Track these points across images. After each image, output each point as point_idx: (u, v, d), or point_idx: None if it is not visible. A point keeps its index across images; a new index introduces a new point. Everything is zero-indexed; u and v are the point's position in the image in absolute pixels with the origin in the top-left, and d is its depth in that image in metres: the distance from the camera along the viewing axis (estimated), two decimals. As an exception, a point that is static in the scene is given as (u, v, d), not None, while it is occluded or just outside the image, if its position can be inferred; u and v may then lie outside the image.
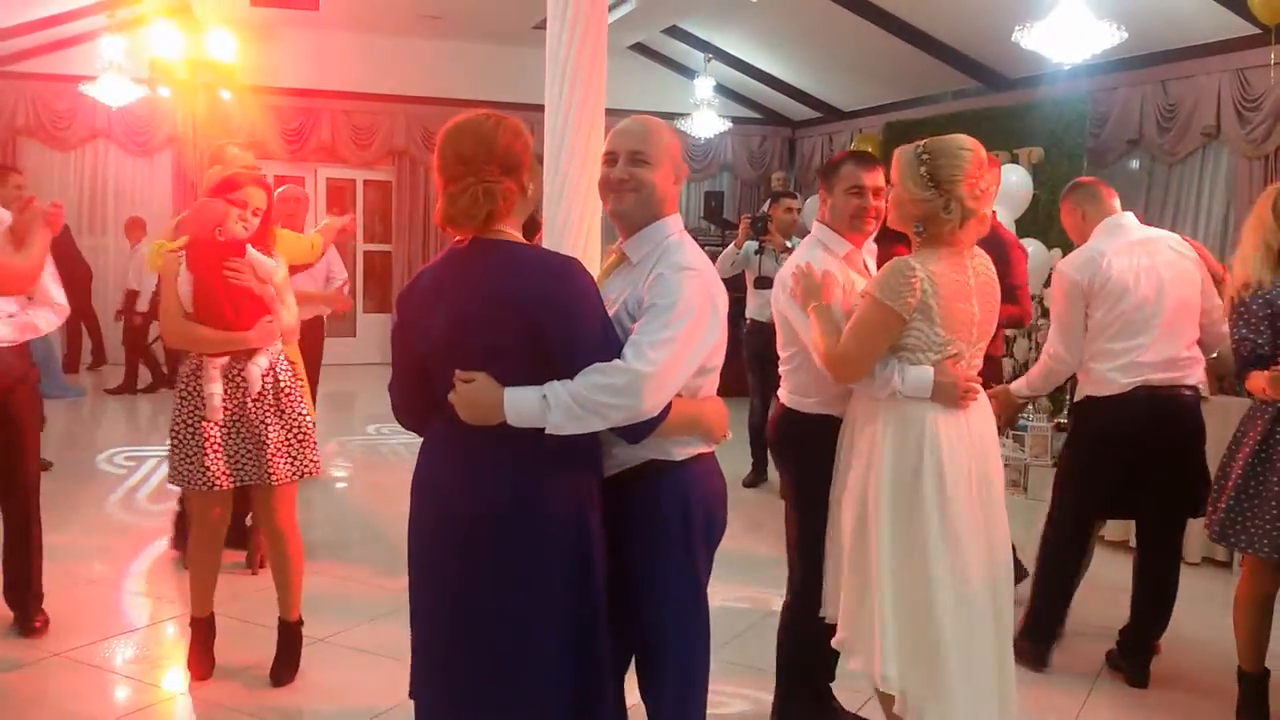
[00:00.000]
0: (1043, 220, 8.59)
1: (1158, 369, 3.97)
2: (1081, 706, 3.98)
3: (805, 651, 3.49)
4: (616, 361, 2.29)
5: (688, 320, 2.38)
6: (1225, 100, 8.02)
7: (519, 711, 2.39)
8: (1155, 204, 8.84)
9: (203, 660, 3.94)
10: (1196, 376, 4.06)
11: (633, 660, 2.63)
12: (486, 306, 2.32)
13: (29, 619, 4.27)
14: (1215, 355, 4.29)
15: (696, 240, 2.71)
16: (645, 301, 2.42)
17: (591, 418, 2.28)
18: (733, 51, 12.18)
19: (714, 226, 12.49)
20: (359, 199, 13.12)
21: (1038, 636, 4.24)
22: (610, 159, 2.62)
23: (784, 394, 3.47)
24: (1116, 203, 4.18)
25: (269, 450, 3.78)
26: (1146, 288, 3.95)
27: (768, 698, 3.61)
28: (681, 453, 2.54)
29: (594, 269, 4.50)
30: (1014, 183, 8.54)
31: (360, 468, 7.27)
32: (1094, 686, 4.15)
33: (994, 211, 5.36)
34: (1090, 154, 9.05)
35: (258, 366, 3.77)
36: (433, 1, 10.68)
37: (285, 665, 3.94)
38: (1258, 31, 7.23)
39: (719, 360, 2.60)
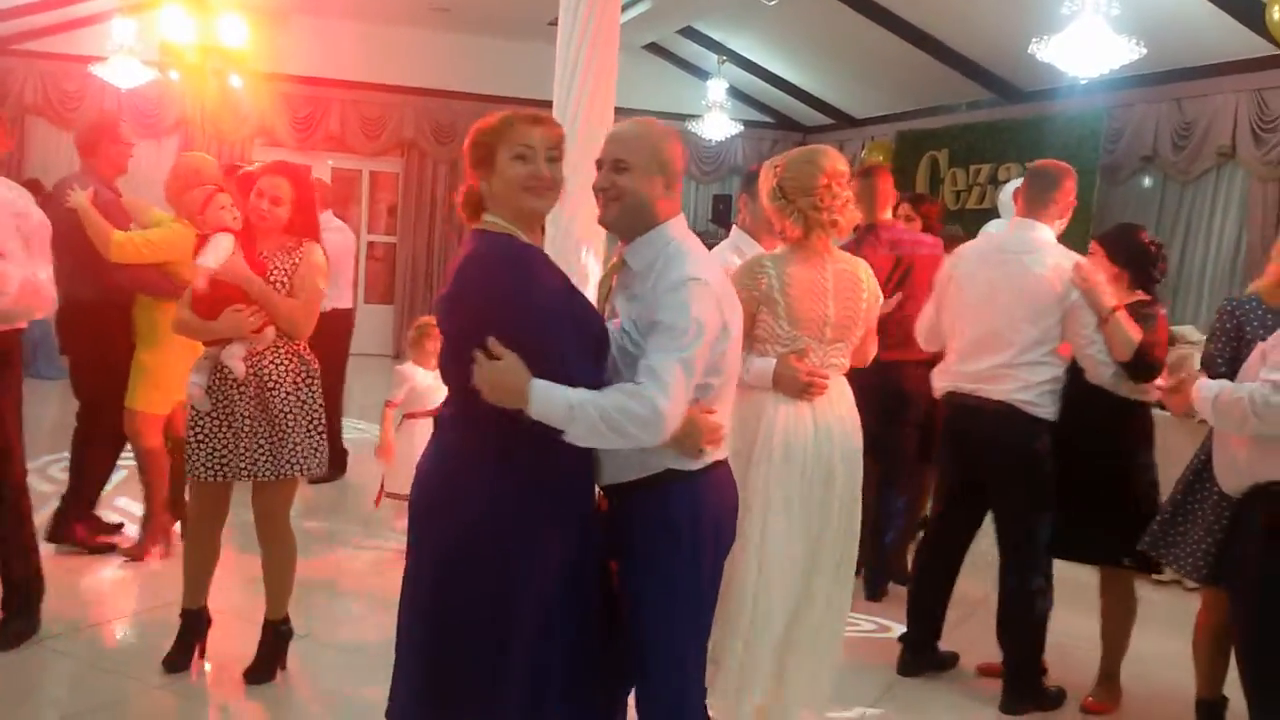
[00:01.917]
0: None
1: (967, 378, 4.02)
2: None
3: None
4: (641, 389, 2.30)
5: (700, 339, 2.37)
6: (1241, 120, 7.95)
7: (446, 707, 2.46)
8: (1166, 223, 8.77)
9: (179, 654, 3.87)
10: (1017, 390, 3.91)
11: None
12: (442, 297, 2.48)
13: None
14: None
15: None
16: (654, 318, 2.39)
17: (613, 437, 2.31)
18: (747, 54, 12.11)
19: (722, 230, 12.41)
20: (365, 189, 13.05)
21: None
22: (599, 165, 2.58)
23: None
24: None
25: (246, 445, 3.70)
26: (972, 295, 4.01)
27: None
28: (696, 462, 2.50)
29: (598, 267, 4.49)
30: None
31: (356, 461, 7.16)
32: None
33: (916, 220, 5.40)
34: (1103, 170, 8.99)
35: (231, 355, 3.67)
36: (446, -7, 10.62)
37: (262, 663, 3.87)
38: (1276, 51, 7.15)
39: (733, 367, 2.58)
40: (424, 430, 5.25)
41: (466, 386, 2.33)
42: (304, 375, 3.80)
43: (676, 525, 2.48)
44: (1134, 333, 3.76)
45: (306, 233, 3.82)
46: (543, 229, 2.66)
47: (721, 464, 2.61)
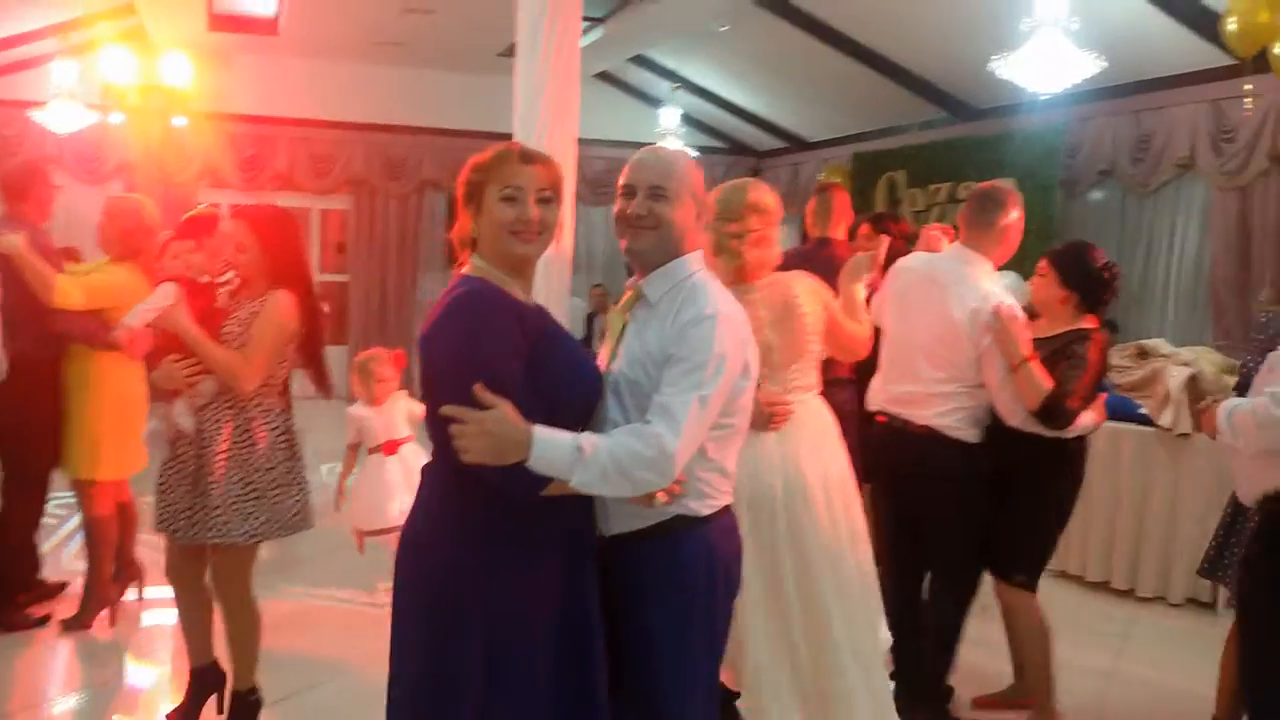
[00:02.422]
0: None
1: (891, 400, 3.95)
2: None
3: None
4: (649, 429, 2.20)
5: (720, 376, 2.27)
6: (1200, 131, 7.94)
7: None
8: (1129, 236, 8.75)
9: (188, 713, 3.71)
10: (935, 415, 3.81)
11: None
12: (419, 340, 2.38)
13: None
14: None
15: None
16: (671, 352, 2.28)
17: (622, 483, 2.20)
18: (699, 81, 12.06)
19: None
20: (315, 228, 12.79)
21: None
22: (628, 192, 2.47)
23: None
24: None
25: (169, 502, 3.57)
26: (896, 313, 3.96)
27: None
28: (707, 507, 2.43)
29: (560, 307, 4.35)
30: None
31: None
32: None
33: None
34: (1061, 185, 8.96)
35: (179, 412, 3.55)
36: (393, 29, 10.46)
37: None
38: (1233, 62, 7.14)
39: (748, 409, 2.48)
40: (389, 465, 5.15)
41: (434, 433, 2.27)
42: (242, 435, 3.54)
43: (690, 572, 2.39)
44: (1045, 382, 3.62)
45: (278, 279, 3.58)
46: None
47: (727, 509, 2.50)
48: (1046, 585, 4.05)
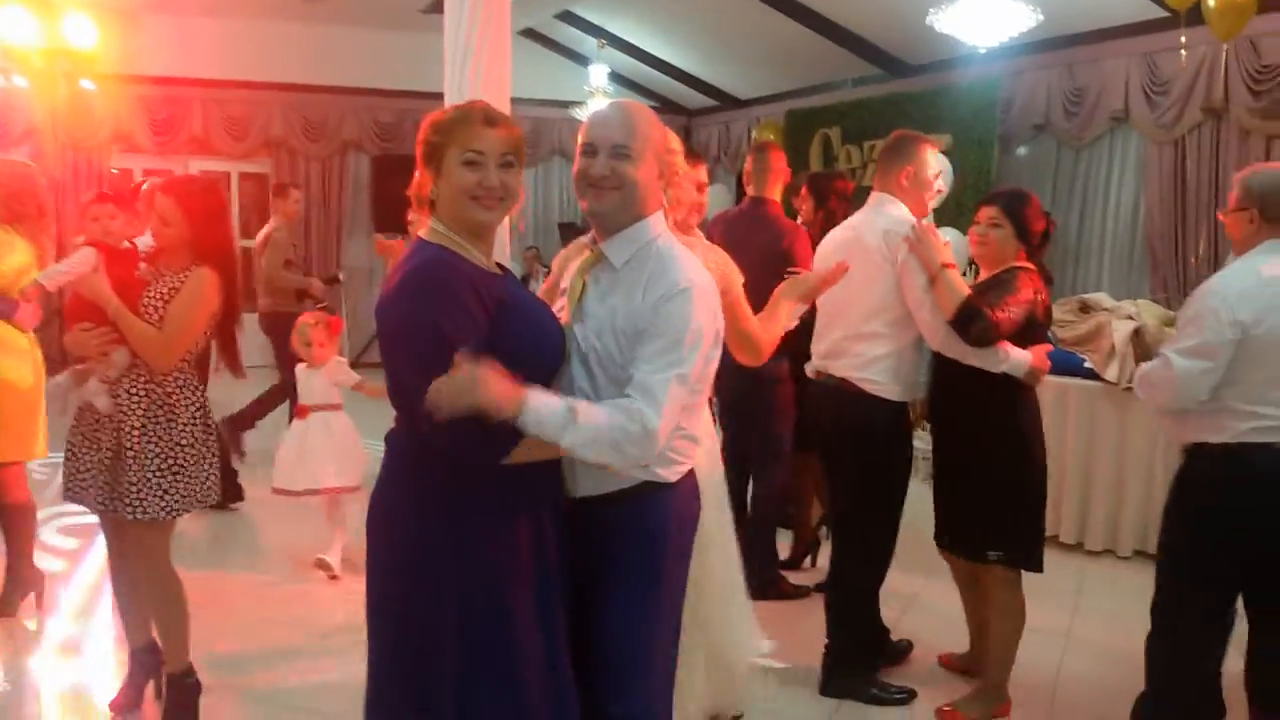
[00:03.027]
0: (952, 208, 8.43)
1: (819, 355, 3.96)
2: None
3: None
4: (633, 406, 2.19)
5: (697, 351, 2.25)
6: (1134, 84, 7.93)
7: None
8: (1063, 189, 8.73)
9: (127, 695, 3.69)
10: (854, 366, 3.78)
11: None
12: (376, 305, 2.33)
13: None
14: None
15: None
16: (644, 328, 2.24)
17: (608, 453, 2.19)
18: (627, 38, 11.82)
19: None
20: (234, 194, 12.36)
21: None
22: (588, 151, 2.36)
23: None
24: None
25: (86, 474, 3.48)
26: (823, 269, 3.85)
27: None
28: (674, 474, 2.42)
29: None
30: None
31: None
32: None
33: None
34: (997, 139, 8.92)
35: (93, 391, 3.46)
36: (312, -16, 10.10)
37: None
38: (1166, 15, 7.13)
39: (712, 375, 2.45)
40: (297, 428, 5.26)
41: (407, 402, 2.22)
42: (159, 410, 3.41)
43: (659, 535, 2.41)
44: (963, 289, 3.57)
45: (202, 255, 3.45)
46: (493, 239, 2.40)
47: (691, 472, 2.49)
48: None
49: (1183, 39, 6.55)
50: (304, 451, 5.15)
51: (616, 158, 2.33)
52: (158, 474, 3.37)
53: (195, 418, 3.47)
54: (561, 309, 2.46)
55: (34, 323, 4.35)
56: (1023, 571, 3.77)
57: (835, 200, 5.31)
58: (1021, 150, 9.12)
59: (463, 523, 2.25)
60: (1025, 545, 3.74)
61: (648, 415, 2.17)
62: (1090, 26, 8.08)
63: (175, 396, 3.43)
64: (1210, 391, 3.13)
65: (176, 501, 3.41)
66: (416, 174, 2.35)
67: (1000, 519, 3.70)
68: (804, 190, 5.45)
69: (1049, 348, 3.77)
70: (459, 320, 2.16)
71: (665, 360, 2.22)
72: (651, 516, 2.39)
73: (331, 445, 5.18)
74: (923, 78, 9.83)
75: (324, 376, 5.21)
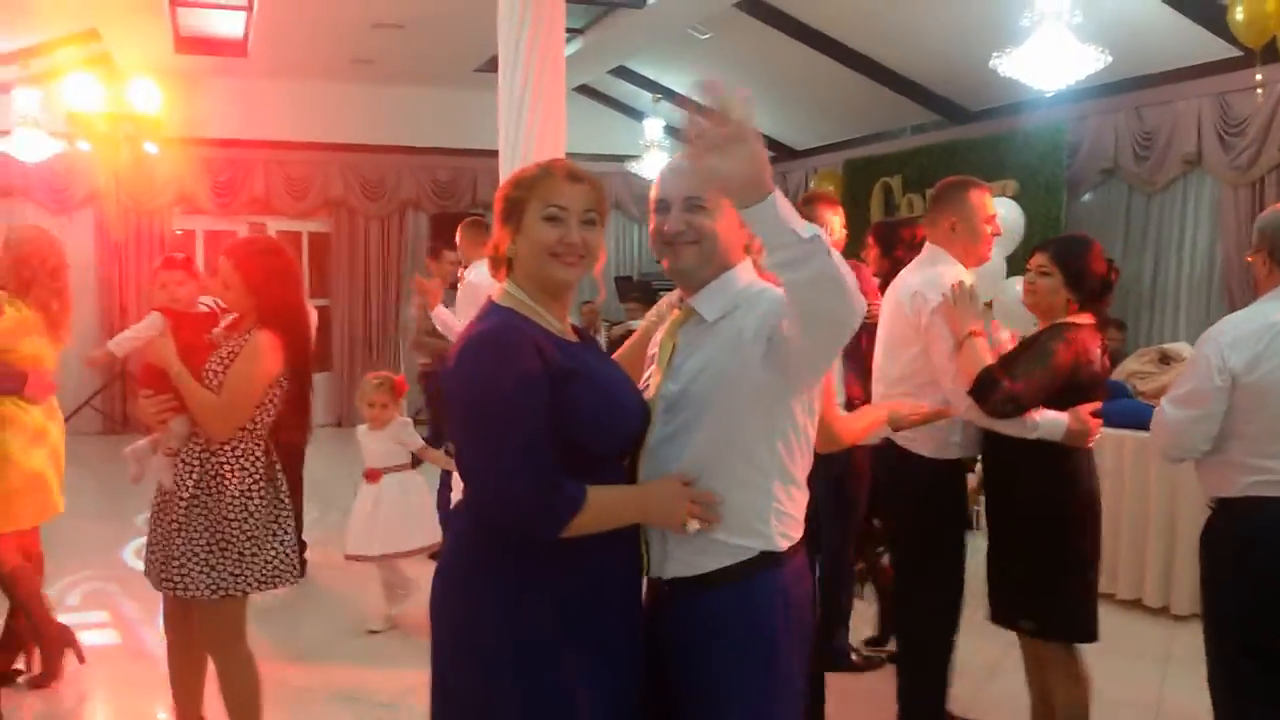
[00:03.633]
0: (1021, 258, 8.22)
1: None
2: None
3: None
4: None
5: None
6: (1206, 125, 7.68)
7: None
8: (1135, 236, 8.47)
9: None
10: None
11: None
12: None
13: None
14: None
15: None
16: (774, 322, 2.06)
17: (832, 290, 1.93)
18: (681, 91, 11.77)
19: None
20: (304, 252, 12.43)
21: None
22: (661, 207, 2.22)
23: None
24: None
25: (150, 552, 3.44)
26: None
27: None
28: (785, 540, 2.17)
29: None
30: (1003, 216, 8.18)
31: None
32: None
33: None
34: (1065, 185, 8.70)
35: (159, 465, 3.43)
36: (366, 46, 10.17)
37: None
38: (1239, 54, 6.92)
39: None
40: (366, 492, 5.19)
41: (467, 471, 2.11)
42: (210, 481, 3.32)
43: (772, 627, 2.13)
44: (983, 358, 3.34)
45: (263, 318, 3.38)
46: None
47: (801, 545, 2.23)
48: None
49: (1258, 76, 6.35)
50: (378, 515, 5.08)
51: (691, 210, 2.18)
52: (205, 549, 3.27)
53: (251, 490, 3.35)
54: (651, 374, 2.29)
55: (47, 394, 4.28)
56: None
57: (902, 249, 5.09)
58: (1087, 197, 8.89)
59: (520, 607, 2.08)
60: (1062, 615, 3.45)
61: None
62: (1160, 67, 7.87)
63: (227, 467, 3.32)
64: (1211, 441, 3.04)
65: (224, 580, 3.28)
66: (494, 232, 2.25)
67: (1029, 586, 3.45)
68: (869, 239, 5.28)
69: (1095, 406, 3.41)
70: (525, 384, 2.04)
71: None
72: (761, 603, 2.13)
73: (405, 507, 5.13)
74: (985, 123, 9.65)
75: (388, 439, 5.14)
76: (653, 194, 2.26)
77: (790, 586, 2.17)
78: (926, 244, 3.77)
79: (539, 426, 2.02)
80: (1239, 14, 6.34)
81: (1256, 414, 2.97)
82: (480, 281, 6.38)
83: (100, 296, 11.37)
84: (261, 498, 3.37)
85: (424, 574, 5.19)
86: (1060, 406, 3.35)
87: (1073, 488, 3.45)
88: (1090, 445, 3.42)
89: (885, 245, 5.14)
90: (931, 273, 3.59)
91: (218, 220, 11.79)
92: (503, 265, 2.22)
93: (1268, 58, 6.29)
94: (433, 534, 5.20)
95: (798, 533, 2.21)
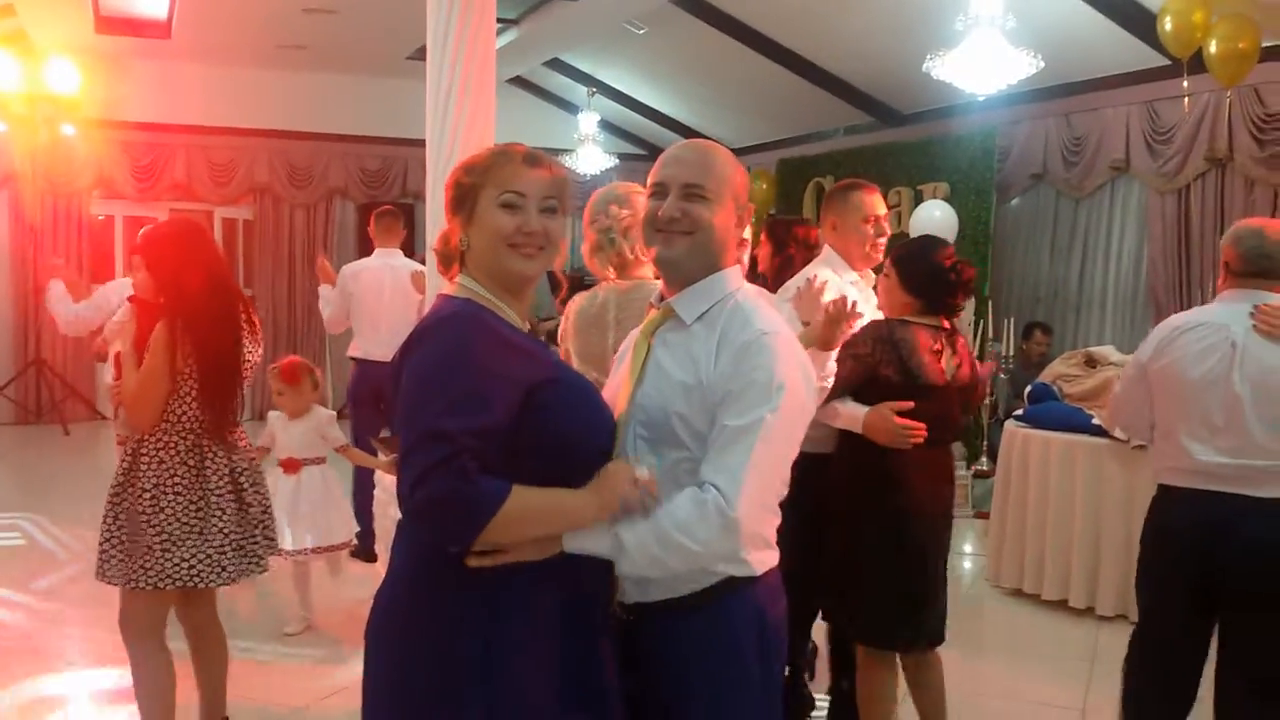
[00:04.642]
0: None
1: None
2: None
3: None
4: (708, 496, 1.90)
5: (780, 420, 1.95)
6: (1135, 133, 7.78)
7: None
8: (1063, 240, 8.57)
9: None
10: None
11: None
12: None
13: None
14: None
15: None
16: (723, 397, 1.97)
17: (672, 558, 1.92)
18: (617, 85, 11.71)
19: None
20: (218, 238, 12.15)
21: None
22: (658, 192, 2.11)
23: None
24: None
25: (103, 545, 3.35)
26: None
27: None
28: (760, 563, 2.08)
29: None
30: (938, 218, 8.23)
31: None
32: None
33: None
34: (994, 188, 8.77)
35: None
36: (295, 31, 9.93)
37: None
38: (1168, 63, 7.00)
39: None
40: (282, 484, 4.85)
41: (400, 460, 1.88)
42: (124, 475, 3.26)
43: (746, 652, 2.05)
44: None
45: (166, 307, 3.28)
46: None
47: (776, 569, 2.16)
48: (1003, 605, 3.74)
49: (1185, 84, 6.42)
50: (299, 509, 4.88)
51: (689, 199, 2.09)
52: (122, 539, 3.25)
53: (164, 486, 3.24)
54: (621, 379, 2.16)
55: None
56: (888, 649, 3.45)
57: (794, 246, 4.91)
58: (1016, 200, 8.97)
59: (491, 633, 1.89)
60: (851, 614, 3.44)
61: (726, 506, 1.88)
62: (1089, 74, 7.95)
63: (145, 460, 3.25)
64: (1149, 432, 3.40)
65: (134, 572, 3.22)
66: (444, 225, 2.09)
67: (839, 585, 3.42)
68: (763, 236, 5.11)
69: (905, 406, 3.29)
70: (505, 367, 1.89)
71: (743, 425, 1.93)
72: (735, 626, 2.04)
73: (329, 500, 4.99)
74: (914, 127, 9.71)
75: (309, 429, 4.94)
76: (651, 177, 2.17)
77: (763, 606, 2.09)
78: (824, 245, 3.82)
79: (501, 429, 1.85)
80: (1167, 24, 6.40)
81: (1159, 402, 3.29)
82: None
83: (15, 280, 11.00)
84: (177, 494, 3.25)
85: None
86: (871, 402, 3.32)
87: (882, 489, 3.35)
88: (907, 447, 3.28)
89: (777, 243, 4.98)
90: (810, 272, 3.64)
91: (138, 205, 11.47)
92: (454, 260, 2.06)
93: (1194, 68, 6.35)
94: (350, 529, 5.12)
95: (773, 554, 2.12)
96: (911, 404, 3.28)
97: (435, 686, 1.90)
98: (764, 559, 2.08)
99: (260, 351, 3.52)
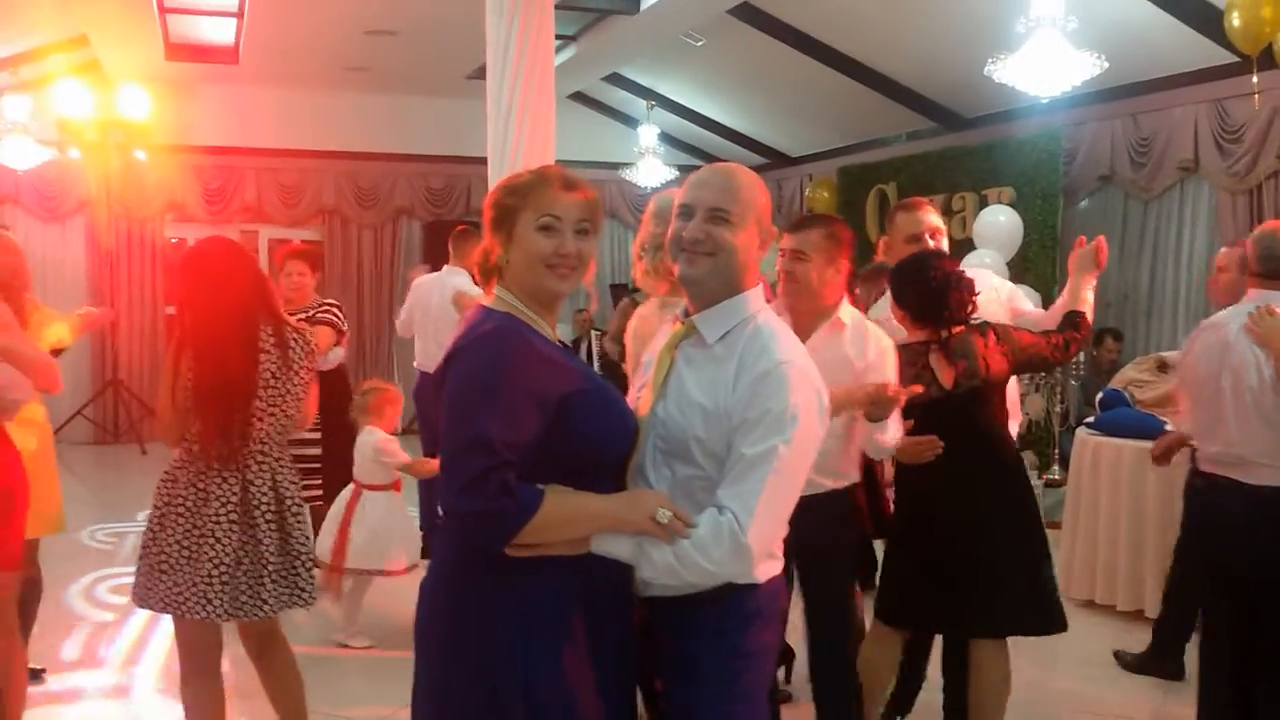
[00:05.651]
0: (1018, 264, 8.18)
1: None
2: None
3: None
4: (724, 518, 2.02)
5: (793, 450, 2.05)
6: (1203, 132, 7.62)
7: None
8: (1132, 243, 8.40)
9: None
10: None
11: None
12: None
13: None
14: None
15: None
16: (739, 423, 2.07)
17: (688, 572, 2.04)
18: (676, 98, 11.72)
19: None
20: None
21: None
22: (684, 213, 2.21)
23: None
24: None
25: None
26: None
27: None
28: (764, 572, 2.16)
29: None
30: (1003, 223, 8.14)
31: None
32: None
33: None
34: (1061, 192, 8.64)
35: None
36: (357, 53, 10.10)
37: None
38: (1237, 59, 6.86)
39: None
40: (381, 501, 4.99)
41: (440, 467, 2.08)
42: (173, 499, 3.24)
43: (738, 639, 2.16)
44: None
45: (178, 327, 3.36)
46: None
47: (780, 574, 2.27)
48: (1075, 617, 3.72)
49: (1254, 81, 6.29)
50: (358, 532, 4.93)
51: (713, 221, 2.18)
52: (143, 563, 3.28)
53: (169, 507, 3.22)
54: (644, 387, 2.28)
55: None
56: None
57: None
58: (1083, 203, 8.83)
59: (530, 628, 2.05)
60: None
61: (739, 531, 2.01)
62: (1156, 73, 7.80)
63: (164, 479, 3.28)
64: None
65: (139, 591, 3.27)
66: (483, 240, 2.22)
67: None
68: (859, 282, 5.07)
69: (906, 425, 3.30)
70: (540, 381, 2.04)
71: (758, 454, 2.04)
72: (734, 618, 2.16)
73: (396, 523, 5.06)
74: (980, 130, 9.59)
75: (363, 458, 5.01)
76: (678, 199, 2.26)
77: (763, 605, 2.20)
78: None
79: (535, 439, 2.01)
80: (1235, 20, 6.28)
81: (1185, 397, 3.57)
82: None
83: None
84: (178, 516, 3.20)
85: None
86: None
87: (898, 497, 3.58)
88: (921, 462, 3.30)
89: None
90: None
91: (209, 228, 11.67)
92: (493, 275, 2.19)
93: (1264, 64, 6.22)
94: (402, 561, 5.02)
95: (777, 565, 2.23)
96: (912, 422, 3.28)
97: (476, 700, 2.05)
98: (767, 569, 2.18)
99: (304, 371, 3.37)
